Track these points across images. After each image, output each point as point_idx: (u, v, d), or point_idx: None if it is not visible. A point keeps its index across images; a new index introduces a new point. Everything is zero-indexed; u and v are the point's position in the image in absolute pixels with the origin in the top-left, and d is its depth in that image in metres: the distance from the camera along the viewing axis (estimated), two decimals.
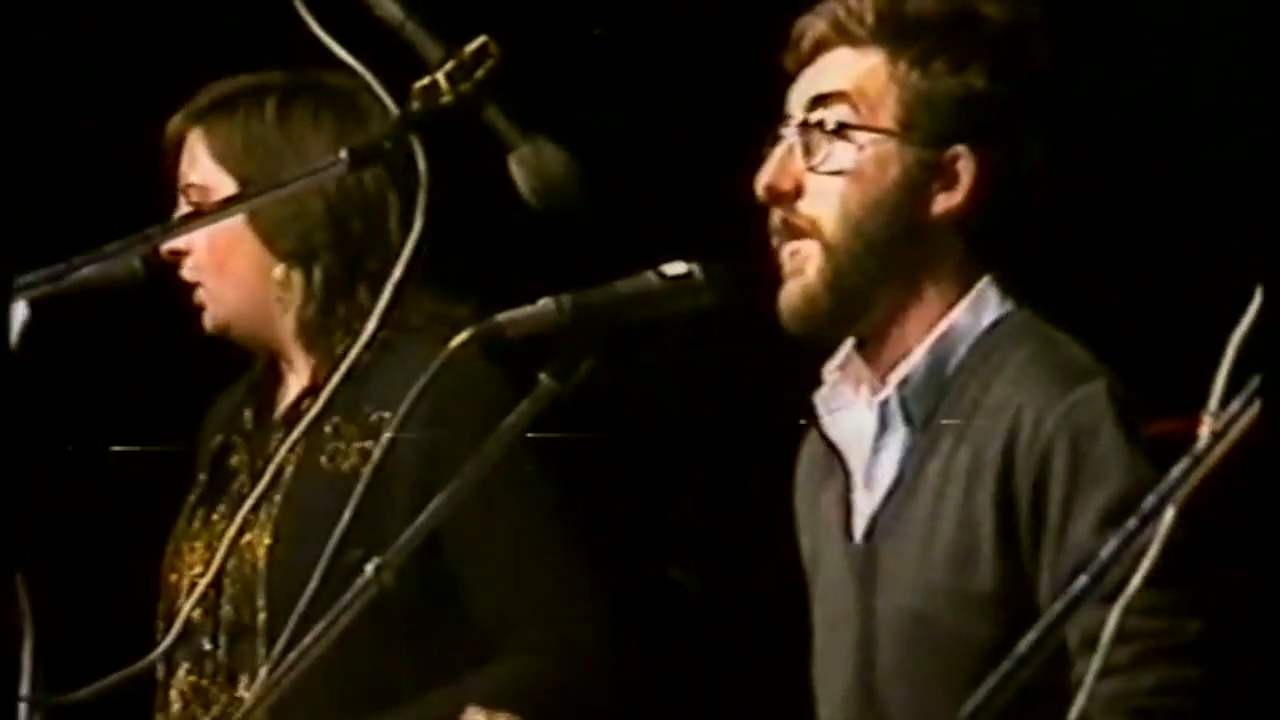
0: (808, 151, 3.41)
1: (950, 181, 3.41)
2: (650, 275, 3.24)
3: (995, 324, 3.42)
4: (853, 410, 3.46)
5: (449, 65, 3.21)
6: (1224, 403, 2.54)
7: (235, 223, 4.06)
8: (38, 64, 5.23)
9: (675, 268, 3.23)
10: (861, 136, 3.40)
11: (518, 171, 3.26)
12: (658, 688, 5.00)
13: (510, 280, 3.38)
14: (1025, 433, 3.31)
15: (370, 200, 3.87)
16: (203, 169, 4.10)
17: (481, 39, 3.22)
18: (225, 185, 4.06)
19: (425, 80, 3.22)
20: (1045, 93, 3.44)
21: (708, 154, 4.56)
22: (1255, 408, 2.46)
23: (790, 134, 3.43)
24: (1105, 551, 2.62)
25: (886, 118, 3.40)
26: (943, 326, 3.42)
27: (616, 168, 3.41)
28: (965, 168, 3.40)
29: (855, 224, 3.39)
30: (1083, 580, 2.63)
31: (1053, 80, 3.44)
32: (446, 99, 3.21)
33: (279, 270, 4.10)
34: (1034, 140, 3.42)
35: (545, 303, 3.22)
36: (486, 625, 4.00)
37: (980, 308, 3.43)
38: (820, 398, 3.48)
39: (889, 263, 3.41)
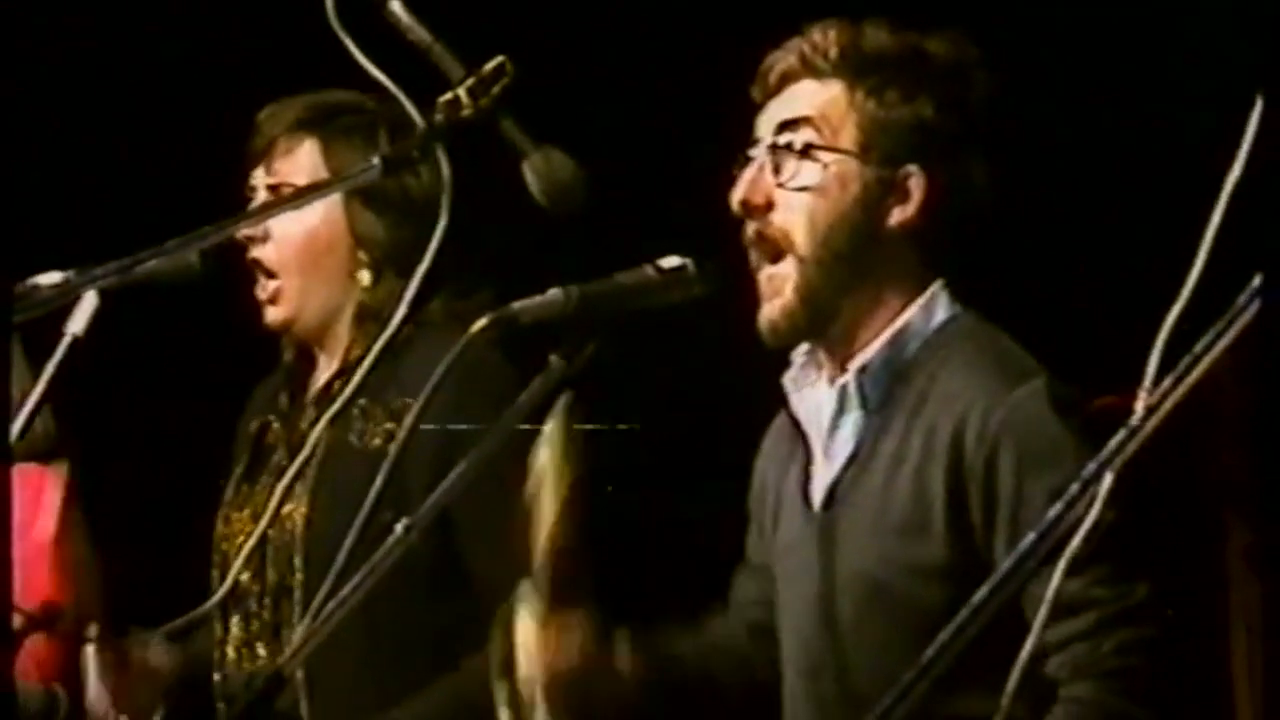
0: (777, 170, 3.46)
1: (904, 197, 3.45)
2: (648, 268, 3.28)
3: (945, 324, 3.46)
4: (815, 390, 3.49)
5: (469, 82, 3.23)
6: (1156, 381, 2.56)
7: (337, 226, 4.07)
8: (108, 84, 5.27)
9: (670, 262, 3.27)
10: (826, 156, 3.45)
11: (531, 177, 3.28)
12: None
13: (521, 275, 3.38)
14: (974, 423, 3.34)
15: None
16: (313, 172, 4.09)
17: (499, 59, 3.24)
18: None
19: (448, 95, 3.24)
20: (986, 119, 3.47)
21: (694, 163, 4.59)
22: (1188, 382, 2.48)
23: (760, 154, 3.47)
24: (1051, 513, 2.66)
25: (847, 140, 3.45)
26: (898, 324, 3.45)
27: (614, 173, 3.41)
28: (916, 185, 3.45)
29: (822, 235, 3.43)
30: (1031, 537, 2.67)
31: (993, 109, 3.47)
32: (467, 112, 3.23)
33: (365, 274, 4.10)
34: (977, 161, 3.46)
35: (554, 293, 3.25)
36: (482, 591, 3.97)
37: (932, 309, 3.46)
38: (789, 378, 3.52)
39: (853, 269, 3.45)
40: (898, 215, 3.45)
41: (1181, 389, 2.52)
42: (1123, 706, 3.25)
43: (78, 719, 4.45)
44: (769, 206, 3.45)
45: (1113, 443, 2.57)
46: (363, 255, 4.09)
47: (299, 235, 4.07)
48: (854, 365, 3.44)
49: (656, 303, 3.27)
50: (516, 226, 3.43)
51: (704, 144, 4.17)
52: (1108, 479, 2.62)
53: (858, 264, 3.44)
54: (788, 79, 3.48)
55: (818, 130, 3.45)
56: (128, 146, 5.29)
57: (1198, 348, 2.51)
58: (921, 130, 3.44)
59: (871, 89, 3.44)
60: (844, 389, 3.44)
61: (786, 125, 3.46)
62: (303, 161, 4.10)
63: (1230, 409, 3.46)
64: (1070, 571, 2.72)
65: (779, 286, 3.43)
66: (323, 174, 4.09)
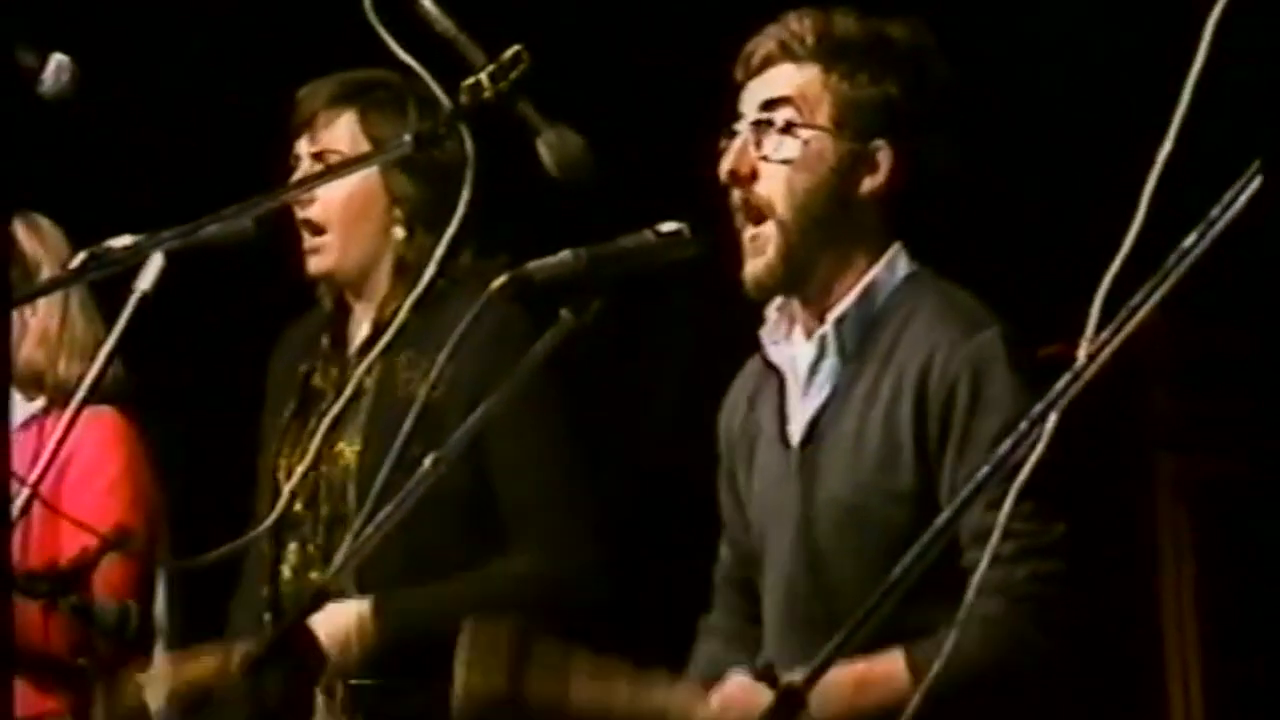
0: (759, 144, 3.47)
1: (873, 168, 3.46)
2: (648, 233, 3.29)
3: (906, 279, 3.48)
4: (791, 342, 3.50)
5: (490, 68, 3.24)
6: (1096, 331, 2.57)
7: (374, 187, 4.07)
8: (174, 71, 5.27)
9: (668, 226, 3.28)
10: (804, 133, 3.46)
11: (544, 152, 3.28)
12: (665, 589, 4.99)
13: (534, 238, 3.38)
14: (936, 367, 3.37)
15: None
16: (349, 142, 4.08)
17: (516, 48, 3.24)
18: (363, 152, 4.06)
19: (471, 80, 3.25)
20: (945, 97, 3.48)
21: (685, 139, 4.59)
22: (1124, 332, 2.48)
23: (745, 130, 3.48)
24: (1003, 448, 2.67)
25: (823, 118, 3.45)
26: (866, 280, 3.46)
27: (617, 147, 3.42)
28: (884, 157, 3.46)
29: (800, 202, 3.45)
30: (985, 469, 2.68)
31: (951, 87, 3.48)
32: (488, 95, 3.24)
33: (399, 230, 4.11)
34: (938, 135, 3.48)
35: (565, 254, 3.26)
36: (505, 515, 3.98)
37: (894, 266, 3.48)
38: (765, 331, 3.53)
39: (827, 232, 3.46)
40: (868, 184, 3.46)
41: (1118, 338, 2.53)
42: (1025, 627, 3.27)
43: (147, 631, 4.47)
44: (753, 176, 3.46)
45: (1058, 386, 2.58)
46: (397, 213, 4.09)
47: (340, 196, 4.07)
48: (831, 317, 3.45)
49: (656, 262, 3.28)
50: (530, 195, 3.41)
51: (693, 123, 4.19)
52: (1052, 419, 2.63)
53: (831, 227, 3.45)
54: (769, 62, 3.49)
55: (797, 109, 3.46)
56: (187, 127, 5.30)
57: (1133, 301, 2.52)
58: (888, 108, 3.44)
59: (844, 72, 3.45)
60: (823, 338, 3.45)
61: (768, 104, 3.47)
62: (342, 131, 4.09)
63: (1161, 357, 3.47)
64: (998, 505, 2.74)
65: (762, 246, 3.45)
66: (360, 142, 4.08)
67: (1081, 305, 2.57)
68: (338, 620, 3.90)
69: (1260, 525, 5.36)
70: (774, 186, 3.45)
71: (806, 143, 3.45)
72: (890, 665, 3.23)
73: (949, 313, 3.42)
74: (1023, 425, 2.64)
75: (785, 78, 3.48)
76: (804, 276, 3.47)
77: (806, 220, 3.44)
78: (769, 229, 3.44)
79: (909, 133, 3.46)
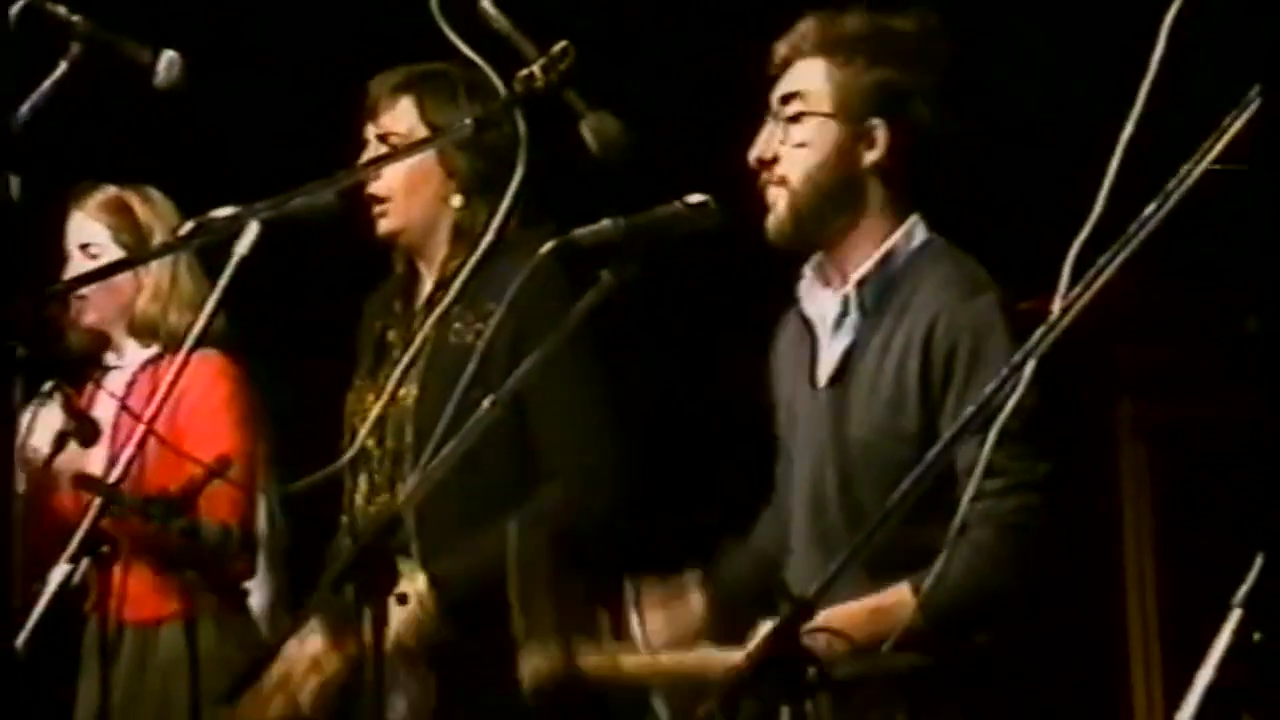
0: (779, 133, 3.48)
1: (871, 144, 3.45)
2: (678, 204, 3.28)
3: (922, 246, 3.47)
4: (823, 297, 3.51)
5: (541, 61, 3.23)
6: (1069, 287, 2.56)
7: (431, 163, 4.05)
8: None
9: (696, 198, 3.27)
10: (810, 120, 3.46)
11: (588, 134, 3.28)
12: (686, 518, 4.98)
13: (578, 209, 3.37)
14: (941, 326, 3.38)
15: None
16: (409, 125, 4.06)
17: (563, 44, 3.24)
18: (420, 133, 4.02)
19: (524, 71, 3.24)
20: (937, 78, 3.47)
21: (710, 123, 4.59)
22: (1093, 289, 2.47)
23: (770, 121, 3.50)
24: (987, 390, 2.67)
25: (826, 104, 3.45)
26: (886, 246, 3.46)
27: (650, 130, 3.42)
28: (880, 135, 3.45)
29: (810, 177, 3.46)
30: (970, 409, 2.68)
31: (943, 69, 3.47)
32: (539, 84, 3.23)
33: (455, 199, 4.10)
34: (931, 112, 3.45)
35: (605, 222, 3.26)
36: (539, 451, 3.97)
37: (912, 235, 3.47)
38: (801, 287, 3.54)
39: (835, 201, 3.47)
40: (868, 159, 3.45)
41: (1088, 294, 2.52)
42: (1012, 552, 3.25)
43: (247, 548, 4.48)
44: (775, 160, 3.48)
45: (1035, 336, 2.57)
46: (453, 185, 4.09)
47: (403, 169, 4.06)
48: (853, 278, 3.46)
49: (685, 230, 3.27)
50: (573, 172, 3.40)
51: (714, 110, 4.19)
52: (1030, 365, 2.62)
53: (837, 195, 3.46)
54: (788, 61, 3.50)
55: (804, 100, 3.47)
56: (277, 113, 5.31)
57: (1100, 262, 2.51)
58: (884, 91, 3.44)
59: (841, 62, 3.45)
60: (846, 297, 3.47)
61: (784, 99, 3.49)
62: (401, 115, 4.08)
63: (1124, 312, 3.45)
64: (995, 444, 2.76)
65: (774, 201, 3.48)
66: (418, 125, 4.06)
67: (1055, 266, 2.57)
68: (403, 611, 3.84)
69: (1211, 463, 5.34)
70: (789, 166, 3.47)
71: (813, 128, 3.46)
72: (899, 594, 3.23)
73: (955, 278, 3.43)
74: (1004, 371, 2.63)
75: (796, 74, 3.49)
76: (812, 234, 3.49)
77: (812, 189, 3.45)
78: (782, 192, 3.47)
79: (903, 111, 3.45)
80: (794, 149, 3.48)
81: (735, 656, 3.29)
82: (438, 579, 3.92)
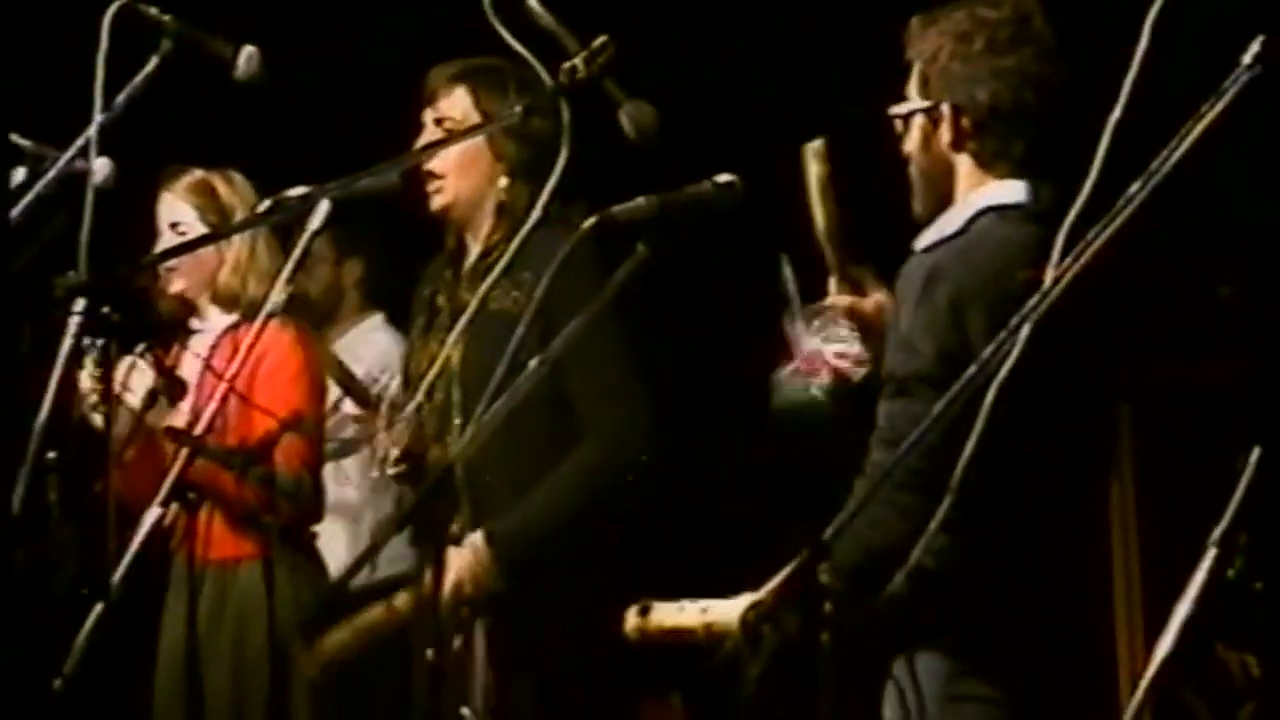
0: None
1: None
2: (707, 183, 3.25)
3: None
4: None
5: (583, 54, 3.22)
6: (1061, 259, 2.55)
7: (481, 147, 4.03)
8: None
9: (723, 178, 3.25)
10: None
11: (625, 121, 3.28)
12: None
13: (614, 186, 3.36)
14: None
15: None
16: (463, 112, 4.04)
17: (603, 38, 3.23)
18: (473, 120, 4.01)
19: (568, 64, 3.23)
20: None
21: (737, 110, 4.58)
22: (1083, 261, 2.46)
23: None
24: (986, 352, 2.64)
25: (919, 97, 3.28)
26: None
27: (685, 116, 3.41)
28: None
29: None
30: (973, 368, 2.64)
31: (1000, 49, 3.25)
32: (581, 76, 3.22)
33: (502, 180, 4.10)
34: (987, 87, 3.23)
35: (640, 199, 3.23)
36: (577, 411, 3.96)
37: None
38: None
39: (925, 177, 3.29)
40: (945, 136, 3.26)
41: (1078, 265, 2.51)
42: (878, 508, 2.97)
43: (318, 497, 4.49)
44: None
45: (1030, 302, 2.56)
46: (500, 167, 4.08)
47: (455, 152, 4.05)
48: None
49: (714, 207, 3.24)
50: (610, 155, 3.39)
51: (743, 99, 4.18)
52: (1026, 329, 2.61)
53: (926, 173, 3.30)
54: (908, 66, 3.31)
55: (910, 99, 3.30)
56: (345, 102, 5.32)
57: (1089, 236, 2.50)
58: (946, 77, 3.23)
59: (928, 60, 3.25)
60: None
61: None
62: (457, 103, 4.08)
63: (1113, 281, 3.41)
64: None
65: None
66: (471, 112, 4.05)
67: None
68: (462, 558, 3.88)
69: (1189, 419, 5.32)
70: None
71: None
72: None
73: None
74: (1001, 334, 2.61)
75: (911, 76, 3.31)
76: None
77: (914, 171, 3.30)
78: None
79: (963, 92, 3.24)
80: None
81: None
82: (493, 535, 3.91)
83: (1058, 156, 3.16)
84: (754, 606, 2.75)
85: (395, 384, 5.10)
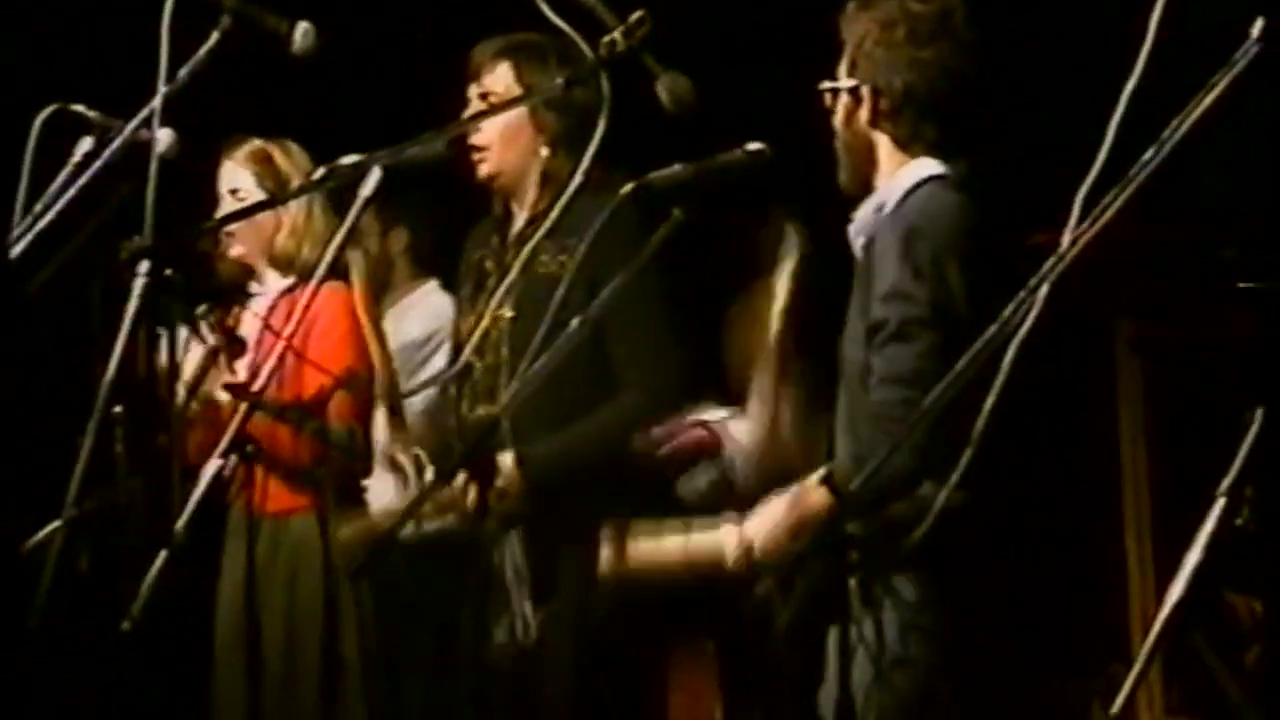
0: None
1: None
2: (739, 151, 3.26)
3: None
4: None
5: (621, 29, 3.23)
6: (1078, 222, 2.54)
7: (523, 118, 4.04)
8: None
9: (754, 146, 3.25)
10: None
11: (662, 92, 3.28)
12: None
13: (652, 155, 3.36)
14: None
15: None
16: (506, 86, 4.05)
17: (640, 13, 3.23)
18: (515, 93, 4.02)
19: (606, 38, 3.23)
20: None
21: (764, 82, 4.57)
22: (1099, 224, 2.46)
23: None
24: (1007, 311, 2.63)
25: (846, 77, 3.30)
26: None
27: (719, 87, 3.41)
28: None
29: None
30: (993, 327, 2.64)
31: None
32: (620, 49, 3.23)
33: (545, 150, 4.10)
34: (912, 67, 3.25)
35: (676, 166, 3.24)
36: (615, 363, 3.96)
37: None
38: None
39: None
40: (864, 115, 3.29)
41: (1094, 229, 2.51)
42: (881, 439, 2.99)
43: (368, 450, 4.51)
44: None
45: (1048, 264, 2.56)
46: (542, 138, 4.08)
47: (500, 124, 4.06)
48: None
49: (745, 173, 3.25)
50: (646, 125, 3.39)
51: (768, 70, 4.18)
52: (1044, 289, 2.60)
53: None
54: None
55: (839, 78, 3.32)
56: (396, 76, 5.33)
57: (1105, 200, 2.50)
58: (870, 60, 3.26)
59: (856, 43, 3.29)
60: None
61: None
62: (500, 77, 4.08)
63: (1125, 244, 3.40)
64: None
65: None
66: (514, 86, 4.06)
67: (1065, 203, 2.55)
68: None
69: (1198, 375, 5.30)
70: None
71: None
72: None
73: None
74: (1021, 294, 2.61)
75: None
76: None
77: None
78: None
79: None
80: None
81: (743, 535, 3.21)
82: (523, 458, 3.92)
83: (969, 138, 3.23)
84: (780, 566, 2.74)
85: (444, 353, 5.15)
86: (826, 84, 3.30)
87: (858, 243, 3.28)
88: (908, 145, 3.26)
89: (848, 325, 3.24)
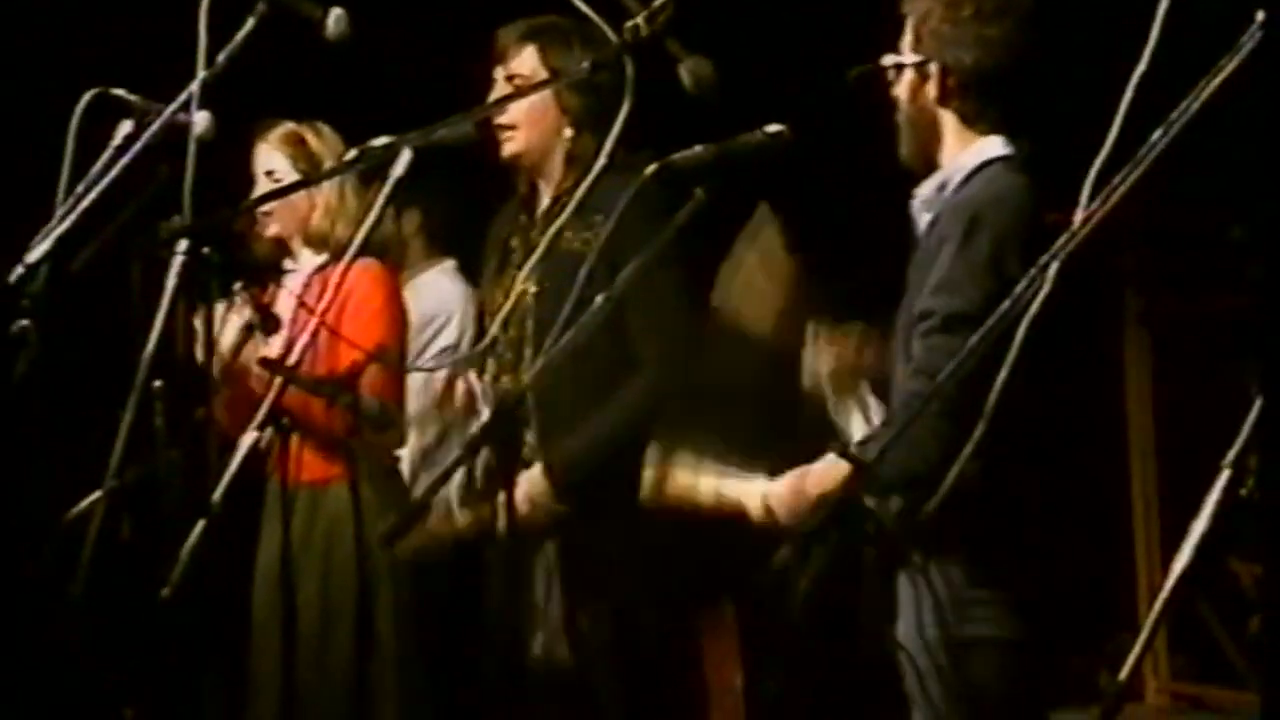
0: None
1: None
2: (759, 132, 3.25)
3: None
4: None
5: (644, 13, 3.22)
6: (1089, 202, 2.54)
7: (548, 100, 4.03)
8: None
9: (774, 127, 3.25)
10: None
11: (685, 75, 3.29)
12: None
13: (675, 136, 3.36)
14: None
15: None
16: (532, 68, 4.05)
17: None
18: (541, 76, 4.02)
19: (630, 23, 3.23)
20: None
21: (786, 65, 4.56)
22: (1109, 204, 2.45)
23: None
24: (1019, 288, 2.63)
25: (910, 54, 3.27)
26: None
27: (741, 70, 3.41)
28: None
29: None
30: (1006, 303, 2.63)
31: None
32: (644, 34, 3.23)
33: (569, 131, 4.10)
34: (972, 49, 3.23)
35: (698, 147, 3.24)
36: (638, 348, 3.95)
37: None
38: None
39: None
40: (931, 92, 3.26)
41: (1105, 208, 2.51)
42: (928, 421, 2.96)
43: (401, 424, 4.52)
44: None
45: (1059, 242, 2.56)
46: (566, 119, 4.09)
47: (525, 104, 4.06)
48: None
49: (765, 154, 3.24)
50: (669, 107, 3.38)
51: (788, 53, 4.16)
52: (1054, 266, 2.60)
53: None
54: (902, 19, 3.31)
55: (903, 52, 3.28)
56: (423, 60, 5.33)
57: (1115, 181, 2.49)
58: (936, 37, 3.23)
59: (921, 18, 3.25)
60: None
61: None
62: (525, 60, 4.08)
63: (1135, 222, 3.41)
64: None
65: None
66: (539, 68, 4.05)
67: (1077, 183, 2.55)
68: (522, 487, 3.87)
69: (1204, 348, 5.31)
70: None
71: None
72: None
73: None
74: (1032, 272, 2.61)
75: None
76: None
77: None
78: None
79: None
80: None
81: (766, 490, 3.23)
82: (551, 467, 3.93)
83: (1031, 115, 3.19)
84: (798, 536, 2.74)
85: (451, 329, 5.15)
86: (891, 58, 3.26)
87: (922, 219, 3.25)
88: (974, 123, 3.21)
89: (905, 299, 3.21)
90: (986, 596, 3.07)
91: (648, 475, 3.39)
